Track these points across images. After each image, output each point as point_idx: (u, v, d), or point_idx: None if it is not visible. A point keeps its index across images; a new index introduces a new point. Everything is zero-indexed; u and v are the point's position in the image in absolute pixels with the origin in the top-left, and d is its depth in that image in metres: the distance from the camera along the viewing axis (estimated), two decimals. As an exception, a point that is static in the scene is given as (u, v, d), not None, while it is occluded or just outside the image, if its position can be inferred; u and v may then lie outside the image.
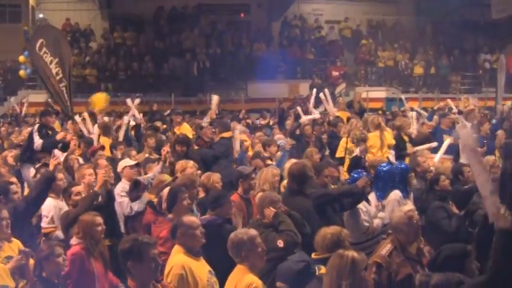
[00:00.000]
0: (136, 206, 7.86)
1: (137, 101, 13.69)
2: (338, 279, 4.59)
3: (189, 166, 8.15)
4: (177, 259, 5.38)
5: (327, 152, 11.85)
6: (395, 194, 7.45)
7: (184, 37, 24.58)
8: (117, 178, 8.38)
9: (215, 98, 14.06)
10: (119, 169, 8.44)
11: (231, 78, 23.92)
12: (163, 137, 12.41)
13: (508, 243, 4.58)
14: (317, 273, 5.25)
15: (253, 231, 5.36)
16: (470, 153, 5.57)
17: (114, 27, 25.51)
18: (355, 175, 7.84)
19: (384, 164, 8.18)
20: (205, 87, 22.46)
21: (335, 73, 23.99)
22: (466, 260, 5.01)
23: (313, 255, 5.57)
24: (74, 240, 5.99)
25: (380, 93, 22.94)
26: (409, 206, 6.35)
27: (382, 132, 11.25)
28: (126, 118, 12.67)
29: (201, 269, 5.43)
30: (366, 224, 7.22)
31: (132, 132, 12.67)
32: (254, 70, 23.66)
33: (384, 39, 27.22)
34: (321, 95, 13.88)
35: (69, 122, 13.14)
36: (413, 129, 11.74)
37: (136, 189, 8.06)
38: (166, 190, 6.84)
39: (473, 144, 5.48)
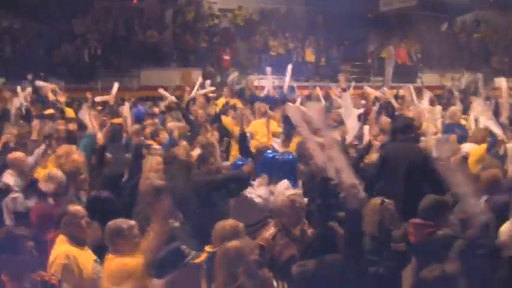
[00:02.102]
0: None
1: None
2: (226, 270, 4.75)
3: (73, 151, 7.92)
4: (61, 249, 5.40)
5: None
6: (284, 183, 7.51)
7: (76, 23, 24.03)
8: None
9: (115, 86, 13.90)
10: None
11: (123, 65, 23.60)
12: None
13: (355, 222, 4.96)
14: (189, 261, 5.20)
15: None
16: (301, 130, 5.92)
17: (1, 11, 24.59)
18: (239, 162, 8.06)
19: (270, 151, 8.43)
20: (97, 74, 22.10)
21: (226, 57, 24.20)
22: (337, 241, 5.30)
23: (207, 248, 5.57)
24: None
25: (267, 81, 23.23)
26: (293, 190, 6.58)
27: (268, 120, 11.53)
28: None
29: (86, 258, 5.47)
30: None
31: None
32: (147, 57, 23.51)
33: (276, 28, 27.60)
34: None
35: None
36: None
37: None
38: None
39: (300, 120, 5.79)
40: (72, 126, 11.15)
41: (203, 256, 5.20)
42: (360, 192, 5.35)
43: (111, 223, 5.43)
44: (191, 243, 5.80)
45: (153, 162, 7.85)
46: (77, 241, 5.51)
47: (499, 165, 7.63)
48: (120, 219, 5.56)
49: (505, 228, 5.72)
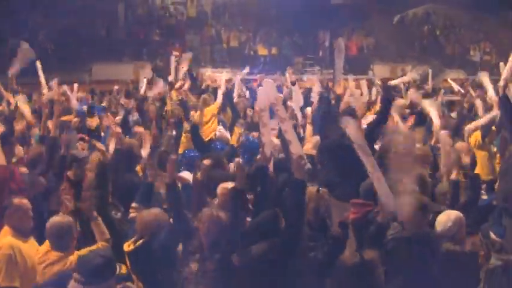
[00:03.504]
0: None
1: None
2: None
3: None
4: (5, 240, 5.43)
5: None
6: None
7: (27, 17, 23.69)
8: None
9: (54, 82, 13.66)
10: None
11: (74, 59, 23.36)
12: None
13: (299, 192, 5.11)
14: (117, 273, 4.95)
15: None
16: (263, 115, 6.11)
17: None
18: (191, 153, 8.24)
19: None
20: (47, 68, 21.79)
21: (175, 53, 24.12)
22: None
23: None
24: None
25: (224, 74, 23.25)
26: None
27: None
28: None
29: (30, 248, 5.49)
30: None
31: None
32: (99, 51, 23.35)
33: (228, 20, 27.66)
34: None
35: None
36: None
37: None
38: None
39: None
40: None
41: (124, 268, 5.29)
42: (306, 164, 5.52)
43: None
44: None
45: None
46: (21, 232, 5.53)
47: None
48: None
49: (441, 219, 5.84)
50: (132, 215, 6.21)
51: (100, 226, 5.60)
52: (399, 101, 12.53)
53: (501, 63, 10.27)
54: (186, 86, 13.62)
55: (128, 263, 5.43)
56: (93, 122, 11.80)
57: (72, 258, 5.11)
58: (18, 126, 9.79)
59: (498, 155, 9.57)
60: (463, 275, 5.69)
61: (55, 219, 5.51)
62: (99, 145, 8.89)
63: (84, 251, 4.81)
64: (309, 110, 10.68)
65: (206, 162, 7.17)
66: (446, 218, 5.80)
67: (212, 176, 6.89)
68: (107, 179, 6.45)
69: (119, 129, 8.65)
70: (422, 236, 5.54)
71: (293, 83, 12.40)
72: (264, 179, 6.06)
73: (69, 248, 5.41)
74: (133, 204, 6.35)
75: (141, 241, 5.39)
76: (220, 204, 5.94)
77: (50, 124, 8.83)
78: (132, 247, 5.41)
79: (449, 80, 17.90)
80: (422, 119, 10.46)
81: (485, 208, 7.69)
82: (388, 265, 5.28)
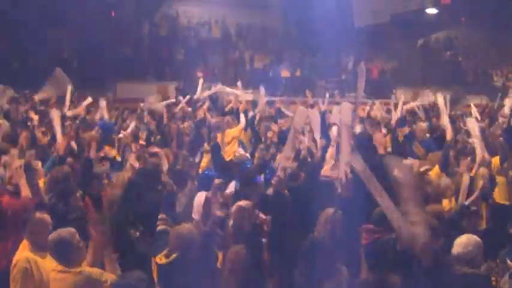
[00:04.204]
0: None
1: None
2: None
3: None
4: (23, 254, 5.59)
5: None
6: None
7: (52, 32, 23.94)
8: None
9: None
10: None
11: (99, 77, 23.58)
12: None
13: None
14: None
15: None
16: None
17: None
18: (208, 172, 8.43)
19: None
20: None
21: (199, 74, 24.33)
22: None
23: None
24: None
25: (247, 95, 23.33)
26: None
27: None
28: None
29: (47, 263, 5.57)
30: None
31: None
32: (123, 70, 23.59)
33: (252, 42, 27.85)
34: None
35: None
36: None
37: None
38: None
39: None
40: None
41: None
42: None
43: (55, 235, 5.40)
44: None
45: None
46: (39, 247, 5.61)
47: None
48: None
49: (460, 241, 5.85)
50: (160, 227, 6.28)
51: (113, 263, 5.36)
52: (421, 125, 12.61)
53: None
54: (206, 106, 13.77)
55: (156, 275, 5.52)
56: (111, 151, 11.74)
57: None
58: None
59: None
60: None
61: (55, 233, 5.40)
62: (132, 160, 8.87)
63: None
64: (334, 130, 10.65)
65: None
66: (467, 241, 5.81)
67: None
68: (132, 198, 6.55)
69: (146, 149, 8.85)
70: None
71: (312, 106, 12.47)
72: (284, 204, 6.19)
73: (72, 262, 5.24)
74: (161, 216, 6.43)
75: (174, 255, 5.48)
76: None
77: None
78: (164, 260, 5.51)
79: (472, 105, 17.86)
80: (440, 143, 10.49)
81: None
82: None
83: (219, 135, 11.29)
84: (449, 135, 9.67)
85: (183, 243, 5.49)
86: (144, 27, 26.87)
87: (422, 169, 8.46)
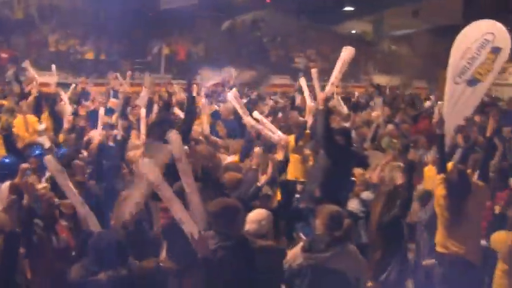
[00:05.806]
0: None
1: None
2: None
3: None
4: None
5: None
6: None
7: None
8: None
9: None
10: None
11: None
12: None
13: None
14: None
15: None
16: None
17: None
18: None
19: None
20: None
21: (4, 55, 23.29)
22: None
23: None
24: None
25: (51, 77, 22.62)
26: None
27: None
28: None
29: None
30: None
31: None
32: None
33: (59, 23, 26.98)
34: None
35: None
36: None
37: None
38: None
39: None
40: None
41: None
42: None
43: None
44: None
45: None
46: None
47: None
48: None
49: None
50: None
51: None
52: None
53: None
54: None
55: None
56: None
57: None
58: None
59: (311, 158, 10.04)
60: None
61: None
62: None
63: None
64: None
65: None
66: (259, 216, 6.09)
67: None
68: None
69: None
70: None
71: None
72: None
73: None
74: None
75: None
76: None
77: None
78: None
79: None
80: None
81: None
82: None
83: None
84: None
85: None
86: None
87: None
